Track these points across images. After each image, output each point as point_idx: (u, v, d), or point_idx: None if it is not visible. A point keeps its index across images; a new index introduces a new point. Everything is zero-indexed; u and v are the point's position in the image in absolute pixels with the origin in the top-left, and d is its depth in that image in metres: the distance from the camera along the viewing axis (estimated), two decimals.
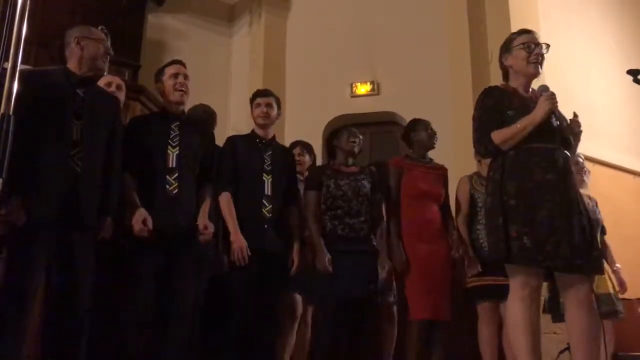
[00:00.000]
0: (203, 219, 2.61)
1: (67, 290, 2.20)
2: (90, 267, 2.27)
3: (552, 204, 2.11)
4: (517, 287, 2.16)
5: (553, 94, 2.22)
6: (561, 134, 2.25)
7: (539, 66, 2.33)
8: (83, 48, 2.38)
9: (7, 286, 2.11)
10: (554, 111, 2.22)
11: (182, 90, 2.69)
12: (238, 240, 2.68)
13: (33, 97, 2.11)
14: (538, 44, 2.33)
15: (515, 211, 2.13)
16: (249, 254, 2.67)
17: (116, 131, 2.47)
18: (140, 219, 2.42)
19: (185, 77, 2.73)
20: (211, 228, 2.62)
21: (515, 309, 2.15)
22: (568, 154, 2.25)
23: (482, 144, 2.28)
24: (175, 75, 2.70)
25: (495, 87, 2.39)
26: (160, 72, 2.76)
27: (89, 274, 2.27)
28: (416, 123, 3.31)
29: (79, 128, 2.28)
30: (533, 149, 2.20)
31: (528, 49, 2.32)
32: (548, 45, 2.35)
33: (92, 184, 2.30)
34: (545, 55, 2.34)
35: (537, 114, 2.19)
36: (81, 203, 2.24)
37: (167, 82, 2.70)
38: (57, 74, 2.38)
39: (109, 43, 2.48)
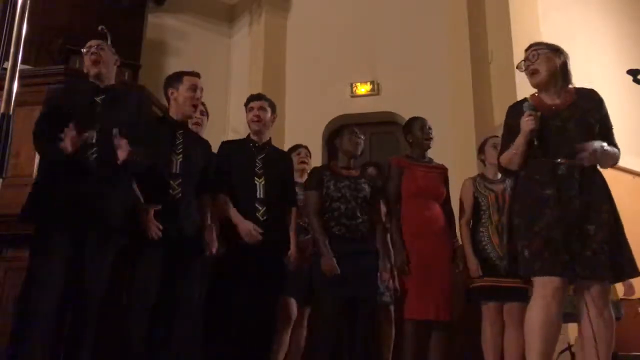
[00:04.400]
0: (209, 234, 2.66)
1: (78, 288, 2.29)
2: (105, 266, 2.38)
3: (549, 218, 2.15)
4: (539, 285, 2.16)
5: (531, 113, 2.24)
6: (569, 144, 2.23)
7: (530, 78, 2.37)
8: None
9: (30, 279, 2.24)
10: (534, 130, 2.23)
11: (196, 106, 2.73)
12: (245, 226, 2.71)
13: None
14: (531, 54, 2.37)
15: (518, 228, 2.24)
16: (261, 230, 2.71)
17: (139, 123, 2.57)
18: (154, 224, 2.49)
19: (202, 91, 2.74)
20: (214, 244, 2.65)
21: (535, 307, 2.15)
22: (577, 164, 2.22)
23: (499, 164, 2.44)
24: (194, 89, 2.70)
25: (521, 101, 2.38)
26: (177, 78, 2.73)
27: (103, 273, 2.36)
28: (410, 123, 3.27)
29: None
30: (535, 165, 2.27)
31: (524, 65, 2.38)
32: (535, 51, 2.37)
33: (112, 183, 2.39)
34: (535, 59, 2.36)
35: (522, 134, 2.26)
36: (97, 203, 2.33)
37: (184, 92, 2.69)
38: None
39: (109, 42, 2.55)
